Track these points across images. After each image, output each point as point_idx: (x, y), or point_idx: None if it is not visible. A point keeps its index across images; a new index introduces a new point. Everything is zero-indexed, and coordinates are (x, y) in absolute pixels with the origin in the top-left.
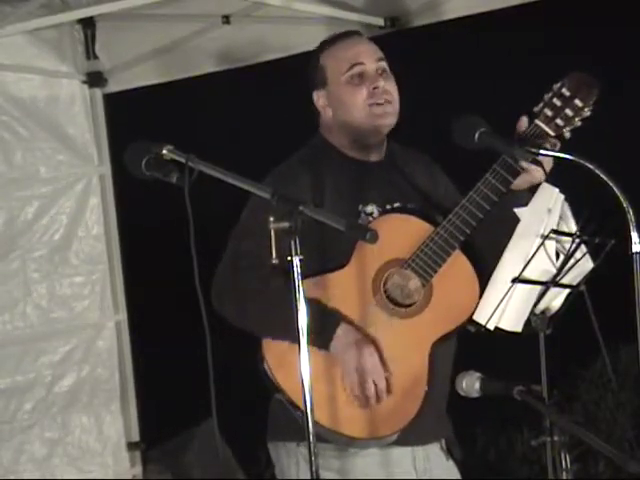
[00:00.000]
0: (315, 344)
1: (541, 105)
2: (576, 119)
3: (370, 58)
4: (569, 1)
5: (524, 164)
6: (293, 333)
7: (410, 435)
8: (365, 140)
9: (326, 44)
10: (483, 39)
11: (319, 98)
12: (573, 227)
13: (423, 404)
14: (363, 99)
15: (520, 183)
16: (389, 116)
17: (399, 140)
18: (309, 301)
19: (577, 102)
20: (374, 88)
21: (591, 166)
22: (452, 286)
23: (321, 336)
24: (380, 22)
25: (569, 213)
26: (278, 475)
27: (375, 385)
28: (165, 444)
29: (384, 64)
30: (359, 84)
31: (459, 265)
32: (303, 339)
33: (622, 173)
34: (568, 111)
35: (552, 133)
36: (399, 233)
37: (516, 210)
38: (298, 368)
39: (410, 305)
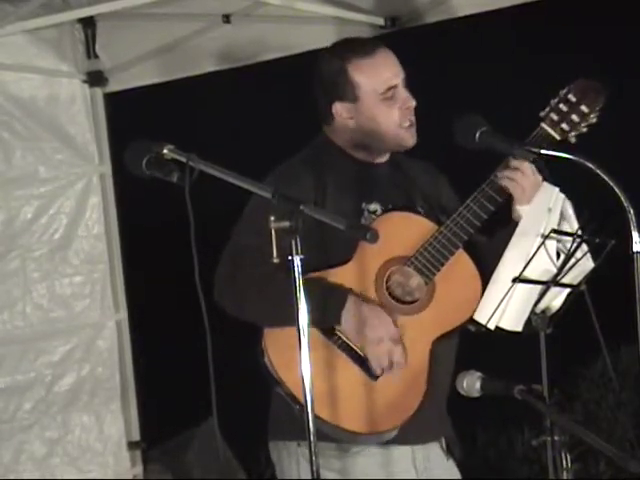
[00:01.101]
0: (325, 321)
1: (547, 109)
2: (582, 125)
3: (399, 78)
4: (574, 1)
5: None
6: (286, 318)
7: (410, 433)
8: (377, 147)
9: (353, 52)
10: (485, 39)
11: (343, 110)
12: (575, 226)
13: (423, 400)
14: (395, 120)
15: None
16: (413, 139)
17: None
18: (313, 280)
19: (583, 108)
20: (406, 110)
21: (591, 165)
22: (455, 285)
23: (330, 311)
24: (380, 22)
25: (571, 212)
26: (279, 475)
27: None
28: (166, 444)
29: (405, 78)
30: (392, 105)
31: (462, 264)
32: (304, 339)
33: (623, 172)
34: (574, 117)
35: (557, 137)
36: (402, 231)
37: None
38: (299, 363)
39: (412, 302)
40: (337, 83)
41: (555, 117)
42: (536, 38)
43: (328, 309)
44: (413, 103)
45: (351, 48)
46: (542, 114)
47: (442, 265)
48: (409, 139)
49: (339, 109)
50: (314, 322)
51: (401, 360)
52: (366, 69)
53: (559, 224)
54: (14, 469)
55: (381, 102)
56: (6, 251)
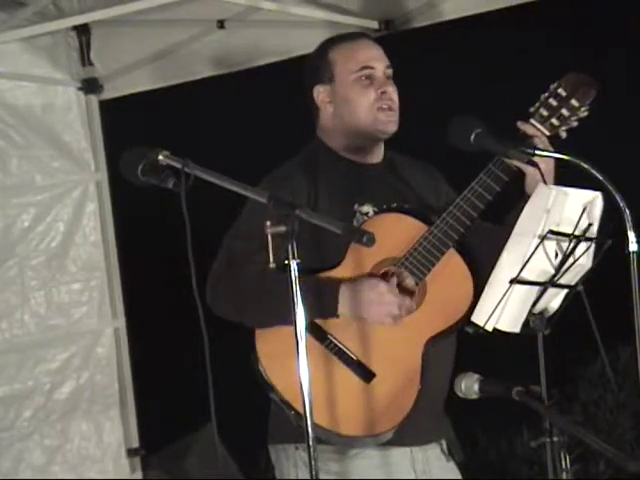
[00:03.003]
0: (323, 312)
1: (537, 105)
2: (572, 119)
3: (380, 63)
4: (562, 2)
5: (520, 165)
6: (280, 319)
7: (407, 435)
8: (362, 142)
9: (336, 40)
10: (477, 40)
11: (321, 93)
12: (595, 229)
13: (417, 400)
14: (370, 101)
15: (532, 187)
16: (392, 124)
17: (398, 144)
18: (307, 278)
19: (573, 102)
20: (382, 92)
21: (586, 166)
22: (446, 285)
23: (327, 300)
24: (374, 25)
25: (598, 214)
26: (278, 477)
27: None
28: (165, 450)
29: (391, 71)
30: (367, 86)
31: (453, 264)
32: (302, 343)
33: (619, 172)
34: (564, 111)
35: (547, 132)
36: (393, 232)
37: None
38: (295, 368)
39: None
40: (317, 66)
41: (545, 112)
42: (525, 38)
43: (324, 299)
44: (392, 90)
45: (338, 37)
46: (532, 109)
47: (433, 265)
48: (387, 123)
49: (317, 92)
50: (312, 314)
51: (409, 305)
52: (343, 51)
53: (559, 225)
54: (14, 477)
55: (355, 82)
56: (4, 259)
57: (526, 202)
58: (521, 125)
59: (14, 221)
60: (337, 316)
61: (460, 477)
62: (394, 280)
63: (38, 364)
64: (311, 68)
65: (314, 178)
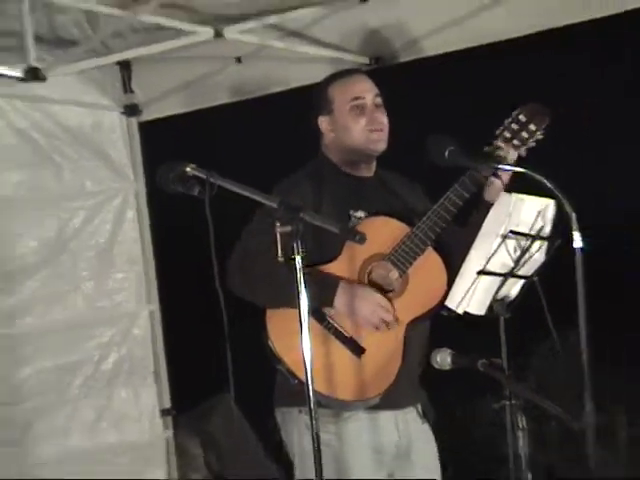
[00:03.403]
0: (322, 302)
1: (502, 128)
2: (530, 140)
3: (370, 94)
4: (525, 44)
5: (488, 177)
6: (287, 301)
7: (390, 400)
8: (358, 159)
9: (333, 78)
10: (452, 73)
11: (323, 122)
12: (549, 229)
13: (399, 373)
14: (362, 126)
15: (489, 192)
16: (381, 142)
17: (387, 159)
18: (311, 271)
19: (531, 127)
20: (372, 119)
21: (540, 177)
22: (424, 277)
23: (326, 294)
24: (366, 60)
25: (551, 217)
26: (284, 437)
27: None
28: (192, 411)
29: (380, 99)
30: (360, 114)
31: (431, 260)
32: (305, 323)
33: (568, 184)
34: (524, 134)
35: (510, 151)
36: (381, 232)
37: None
38: (299, 344)
39: (390, 291)
40: (319, 100)
41: (508, 135)
42: (492, 72)
43: (324, 292)
44: (382, 116)
45: (335, 75)
46: (497, 132)
47: (414, 260)
48: (377, 142)
49: (322, 122)
50: (313, 301)
51: (392, 319)
52: (339, 87)
53: (517, 226)
54: (68, 431)
55: (350, 110)
56: (59, 254)
57: (485, 206)
58: (488, 145)
59: (67, 223)
60: (333, 306)
61: (432, 436)
62: (383, 299)
63: (88, 340)
64: (315, 101)
65: (319, 187)
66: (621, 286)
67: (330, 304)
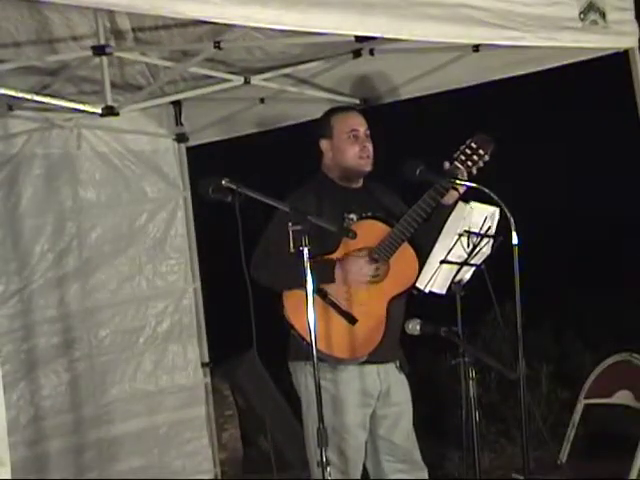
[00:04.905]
0: (324, 279)
1: (458, 152)
2: (480, 162)
3: (362, 127)
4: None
5: (448, 189)
6: (297, 284)
7: (375, 357)
8: (350, 176)
9: (335, 111)
10: (424, 112)
11: (324, 144)
12: (494, 228)
13: (383, 337)
14: (355, 152)
15: (448, 200)
16: (368, 165)
17: (373, 176)
18: (315, 259)
19: (480, 151)
20: (363, 147)
21: (487, 190)
22: (402, 264)
23: (327, 271)
24: (357, 101)
25: (496, 220)
26: (295, 384)
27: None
28: (224, 364)
29: (368, 132)
30: (354, 142)
31: (406, 251)
32: (310, 299)
33: (508, 195)
34: (475, 157)
35: (464, 170)
36: (369, 231)
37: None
38: (305, 316)
39: (376, 276)
40: (322, 126)
41: (463, 157)
42: (452, 110)
43: (326, 271)
44: (369, 145)
45: (336, 109)
46: (455, 155)
47: (394, 251)
48: (365, 165)
49: (323, 144)
50: (318, 281)
51: (375, 274)
52: (339, 118)
53: (470, 227)
54: (134, 377)
55: (347, 139)
56: (127, 246)
57: (445, 209)
58: (448, 165)
59: (133, 221)
60: (334, 281)
61: (407, 383)
62: (369, 259)
63: (148, 309)
64: (319, 127)
65: (320, 196)
66: (547, 271)
67: (332, 280)
